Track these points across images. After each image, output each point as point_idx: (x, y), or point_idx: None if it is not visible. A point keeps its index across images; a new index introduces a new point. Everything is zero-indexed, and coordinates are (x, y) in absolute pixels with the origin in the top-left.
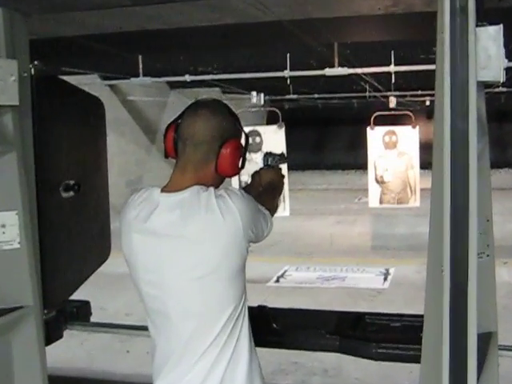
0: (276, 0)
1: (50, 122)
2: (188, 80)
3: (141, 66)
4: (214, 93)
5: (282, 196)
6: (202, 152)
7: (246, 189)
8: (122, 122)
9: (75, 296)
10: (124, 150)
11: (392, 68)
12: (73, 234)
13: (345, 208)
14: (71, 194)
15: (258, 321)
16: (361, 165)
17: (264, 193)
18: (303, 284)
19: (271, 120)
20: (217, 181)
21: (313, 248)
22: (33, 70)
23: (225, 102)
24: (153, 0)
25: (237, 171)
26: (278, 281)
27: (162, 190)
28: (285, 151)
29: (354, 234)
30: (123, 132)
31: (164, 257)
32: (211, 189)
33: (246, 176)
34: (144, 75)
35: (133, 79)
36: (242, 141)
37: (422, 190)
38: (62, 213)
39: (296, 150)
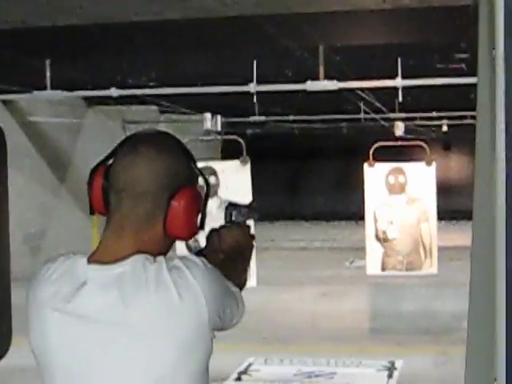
0: None
1: None
2: (114, 95)
3: (48, 75)
4: (148, 112)
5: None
6: (144, 207)
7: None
8: (20, 152)
9: None
10: (22, 192)
11: (399, 82)
12: None
13: (332, 275)
14: None
15: None
16: (354, 214)
17: (227, 262)
18: (275, 383)
19: (228, 152)
20: (165, 246)
21: (288, 332)
22: None
23: (164, 125)
24: None
25: (194, 232)
26: (239, 378)
27: (90, 260)
28: (250, 198)
29: (345, 311)
30: (21, 166)
31: (96, 354)
32: (161, 259)
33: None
34: (53, 88)
35: (37, 93)
36: (200, 189)
37: (440, 249)
38: None
39: (262, 194)
